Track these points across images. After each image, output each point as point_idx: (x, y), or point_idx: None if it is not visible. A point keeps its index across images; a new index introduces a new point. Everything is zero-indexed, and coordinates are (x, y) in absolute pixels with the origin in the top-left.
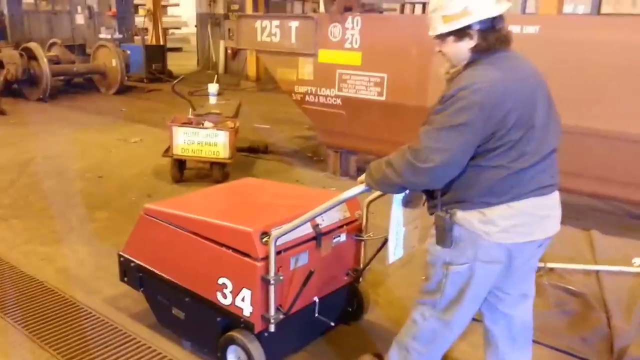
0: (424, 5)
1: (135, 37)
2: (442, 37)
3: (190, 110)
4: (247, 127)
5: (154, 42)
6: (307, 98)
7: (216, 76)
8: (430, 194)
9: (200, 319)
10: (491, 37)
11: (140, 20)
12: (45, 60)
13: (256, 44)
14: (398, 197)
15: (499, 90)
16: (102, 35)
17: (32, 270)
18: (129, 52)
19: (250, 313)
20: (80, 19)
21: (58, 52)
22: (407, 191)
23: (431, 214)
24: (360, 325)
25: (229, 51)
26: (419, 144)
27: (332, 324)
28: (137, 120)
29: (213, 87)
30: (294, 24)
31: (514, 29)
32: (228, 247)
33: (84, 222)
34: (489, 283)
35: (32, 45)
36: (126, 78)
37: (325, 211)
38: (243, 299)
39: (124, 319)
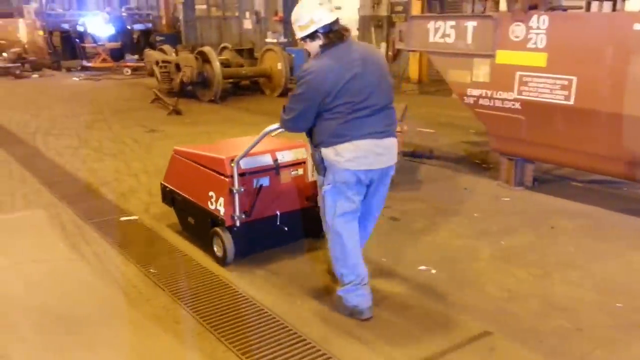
0: (614, 2)
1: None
2: (303, 39)
3: None
4: (410, 131)
5: None
6: (481, 101)
7: None
8: (309, 139)
9: (201, 221)
10: (331, 35)
11: None
12: (217, 63)
13: (427, 45)
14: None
15: (324, 72)
16: (268, 40)
17: (209, 265)
18: (293, 55)
19: (223, 213)
20: (248, 24)
21: (228, 56)
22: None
23: (312, 153)
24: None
25: (390, 53)
26: (286, 104)
27: (285, 228)
28: None
29: None
30: (471, 24)
31: None
32: (213, 170)
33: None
34: (353, 197)
35: (206, 49)
36: (289, 80)
37: (256, 143)
38: (220, 204)
39: (296, 319)
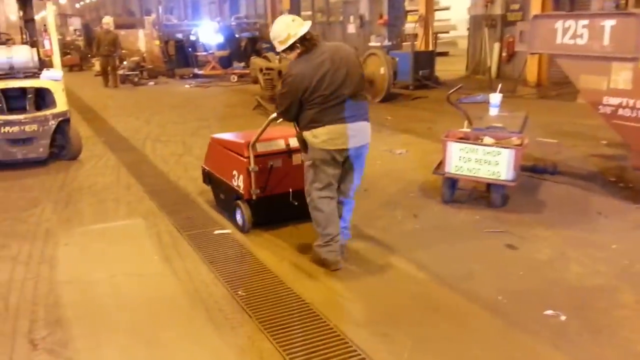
0: None
1: (404, 44)
2: (283, 52)
3: (466, 123)
4: (530, 141)
5: (422, 48)
6: (620, 112)
7: (500, 86)
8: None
9: (228, 196)
10: (306, 43)
11: (409, 26)
12: None
13: (554, 47)
14: None
15: (301, 74)
16: (372, 43)
17: (301, 290)
18: (397, 59)
19: (242, 189)
20: (351, 28)
21: None
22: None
23: (297, 135)
24: None
25: (504, 54)
26: (277, 100)
27: (296, 203)
28: (402, 130)
29: (495, 97)
30: (609, 23)
31: None
32: (236, 153)
33: (354, 243)
34: (329, 172)
35: None
36: (393, 85)
37: (263, 129)
38: (241, 181)
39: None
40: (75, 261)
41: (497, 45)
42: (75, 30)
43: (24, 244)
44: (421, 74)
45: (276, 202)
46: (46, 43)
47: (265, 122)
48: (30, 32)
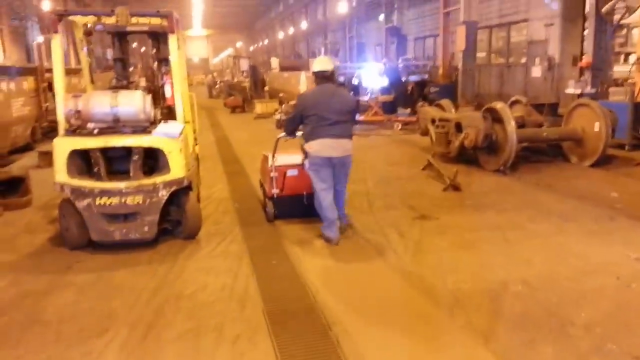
0: None
1: (611, 89)
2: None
3: None
4: None
5: None
6: None
7: None
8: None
9: (264, 195)
10: (317, 78)
11: (619, 69)
12: (512, 124)
13: None
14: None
15: (307, 96)
16: (569, 90)
17: None
18: (615, 112)
19: (268, 189)
20: (536, 72)
21: (522, 112)
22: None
23: (301, 145)
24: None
25: None
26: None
27: (306, 202)
28: None
29: None
30: None
31: None
32: (267, 164)
33: None
34: (323, 173)
35: (499, 106)
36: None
37: (275, 148)
38: (267, 184)
39: None
40: None
41: None
42: (243, 71)
43: None
44: None
45: (293, 202)
46: (167, 89)
47: (275, 141)
48: (163, 74)
